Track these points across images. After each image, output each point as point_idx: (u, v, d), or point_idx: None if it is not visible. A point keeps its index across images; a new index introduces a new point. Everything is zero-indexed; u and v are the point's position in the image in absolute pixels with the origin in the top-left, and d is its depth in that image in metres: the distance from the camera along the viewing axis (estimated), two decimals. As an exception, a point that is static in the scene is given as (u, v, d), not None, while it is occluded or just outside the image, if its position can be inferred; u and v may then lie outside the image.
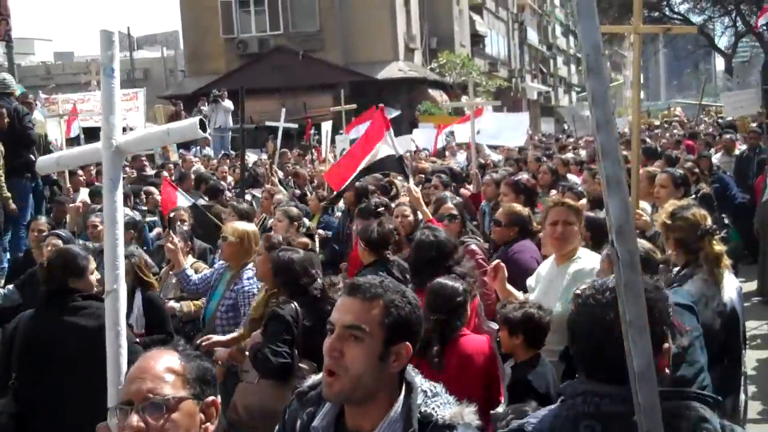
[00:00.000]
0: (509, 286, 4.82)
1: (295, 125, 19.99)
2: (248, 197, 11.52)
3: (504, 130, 14.70)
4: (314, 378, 2.47)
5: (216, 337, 5.61)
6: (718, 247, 4.38)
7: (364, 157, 8.36)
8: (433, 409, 2.25)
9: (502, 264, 4.85)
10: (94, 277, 4.71)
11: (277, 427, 2.52)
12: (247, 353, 5.08)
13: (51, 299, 4.59)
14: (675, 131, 24.27)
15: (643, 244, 4.20)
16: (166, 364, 2.24)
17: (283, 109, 16.94)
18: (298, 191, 12.08)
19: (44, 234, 7.03)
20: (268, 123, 20.73)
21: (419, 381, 2.33)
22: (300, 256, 5.14)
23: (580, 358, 2.42)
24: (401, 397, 2.28)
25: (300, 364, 4.79)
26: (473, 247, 6.03)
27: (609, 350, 2.20)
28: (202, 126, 2.63)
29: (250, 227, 6.50)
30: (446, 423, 2.22)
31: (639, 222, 5.80)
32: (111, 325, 2.68)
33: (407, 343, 2.29)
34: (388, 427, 2.24)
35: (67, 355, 4.30)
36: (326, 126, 14.97)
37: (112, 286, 2.68)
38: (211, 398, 2.28)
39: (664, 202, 5.71)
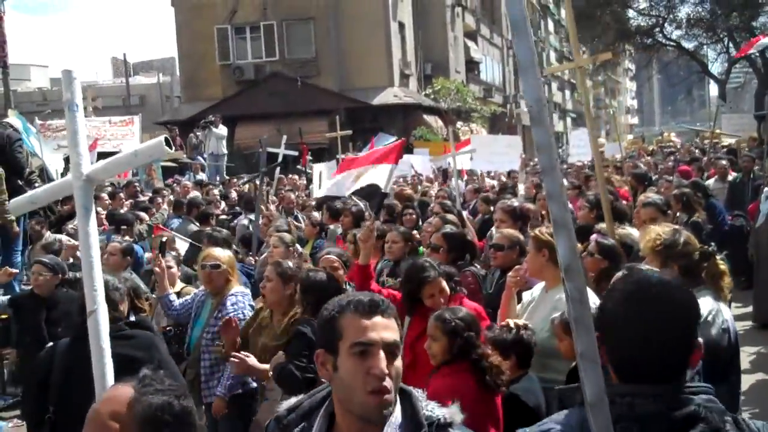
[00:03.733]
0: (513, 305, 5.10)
1: (294, 152, 20.07)
2: (245, 221, 11.52)
3: (497, 154, 14.75)
4: (291, 401, 2.48)
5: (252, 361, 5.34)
6: (723, 265, 4.45)
7: (365, 164, 8.54)
8: (431, 410, 2.32)
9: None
10: (125, 307, 4.70)
11: None
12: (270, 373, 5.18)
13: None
14: (674, 156, 24.36)
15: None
16: (111, 408, 2.07)
17: (284, 137, 17.03)
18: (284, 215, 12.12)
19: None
20: (268, 149, 20.76)
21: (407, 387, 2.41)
22: (325, 277, 5.35)
23: (615, 357, 2.23)
24: (397, 402, 2.32)
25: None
26: (466, 272, 6.15)
27: (652, 346, 2.12)
28: (168, 143, 2.67)
29: (227, 253, 6.51)
30: (447, 421, 2.29)
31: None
32: (95, 344, 2.75)
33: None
34: (394, 430, 2.28)
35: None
36: (319, 167, 14.95)
37: (92, 306, 2.76)
38: None
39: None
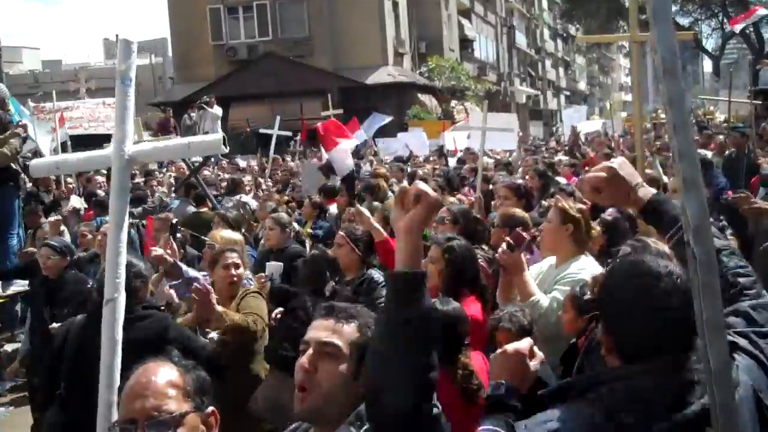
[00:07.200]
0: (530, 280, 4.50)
1: (288, 132, 19.95)
2: (229, 204, 11.43)
3: (495, 133, 14.64)
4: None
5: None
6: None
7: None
8: None
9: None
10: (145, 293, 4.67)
11: None
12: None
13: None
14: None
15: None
16: (166, 378, 2.19)
17: (278, 117, 16.91)
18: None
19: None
20: (262, 131, 20.66)
21: None
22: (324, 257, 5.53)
23: (624, 339, 2.22)
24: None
25: None
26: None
27: (661, 325, 2.14)
28: (225, 142, 2.61)
29: (237, 236, 6.46)
30: None
31: (643, 226, 5.76)
32: (108, 335, 2.63)
33: None
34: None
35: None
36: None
37: (112, 294, 2.65)
38: (210, 409, 2.26)
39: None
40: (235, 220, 7.84)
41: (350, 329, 2.29)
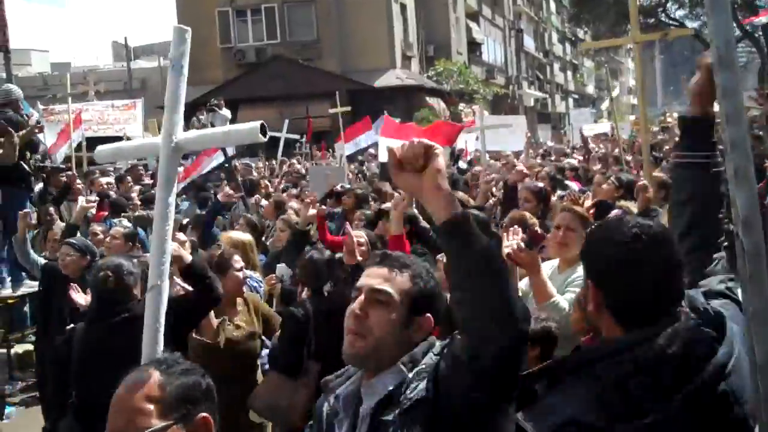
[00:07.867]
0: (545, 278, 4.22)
1: (296, 135, 19.98)
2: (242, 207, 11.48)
3: (503, 135, 14.57)
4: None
5: None
6: None
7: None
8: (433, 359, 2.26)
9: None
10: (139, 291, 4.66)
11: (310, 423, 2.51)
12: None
13: (104, 309, 4.43)
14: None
15: None
16: (144, 392, 2.06)
17: (286, 120, 16.94)
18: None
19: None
20: (270, 133, 20.71)
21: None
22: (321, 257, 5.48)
23: (618, 301, 2.18)
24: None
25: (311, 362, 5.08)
26: None
27: (658, 287, 2.13)
28: (263, 131, 2.61)
29: (246, 237, 6.49)
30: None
31: None
32: (150, 322, 2.62)
33: (429, 315, 2.33)
34: (389, 373, 2.25)
35: (126, 365, 4.13)
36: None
37: (156, 281, 2.64)
38: (200, 416, 2.09)
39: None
40: (260, 224, 7.96)
41: (403, 278, 2.31)
